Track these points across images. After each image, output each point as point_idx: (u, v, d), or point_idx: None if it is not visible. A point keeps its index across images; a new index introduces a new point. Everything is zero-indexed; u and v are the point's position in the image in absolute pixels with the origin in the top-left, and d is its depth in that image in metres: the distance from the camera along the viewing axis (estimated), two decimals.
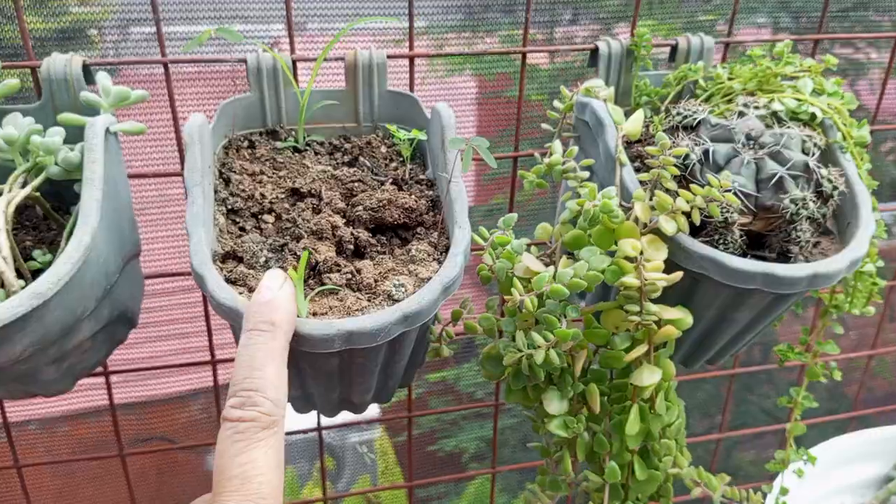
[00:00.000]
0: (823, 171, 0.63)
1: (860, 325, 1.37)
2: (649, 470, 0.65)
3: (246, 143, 0.70)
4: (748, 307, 0.64)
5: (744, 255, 0.64)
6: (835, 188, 0.63)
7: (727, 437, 1.18)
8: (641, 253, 0.57)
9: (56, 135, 0.61)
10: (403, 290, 0.54)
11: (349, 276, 0.56)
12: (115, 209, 0.64)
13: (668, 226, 0.57)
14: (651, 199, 0.59)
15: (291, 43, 0.71)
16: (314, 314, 0.52)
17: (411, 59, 0.75)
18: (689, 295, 0.65)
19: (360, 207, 0.60)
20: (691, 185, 0.58)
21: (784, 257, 0.64)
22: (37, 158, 0.60)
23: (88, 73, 0.67)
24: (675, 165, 0.62)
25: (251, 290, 0.55)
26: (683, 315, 0.60)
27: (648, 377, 0.60)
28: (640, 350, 0.60)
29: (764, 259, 0.64)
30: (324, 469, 1.04)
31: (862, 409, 1.22)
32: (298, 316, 0.51)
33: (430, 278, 0.54)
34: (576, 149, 0.64)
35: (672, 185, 0.60)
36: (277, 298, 0.49)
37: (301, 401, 0.64)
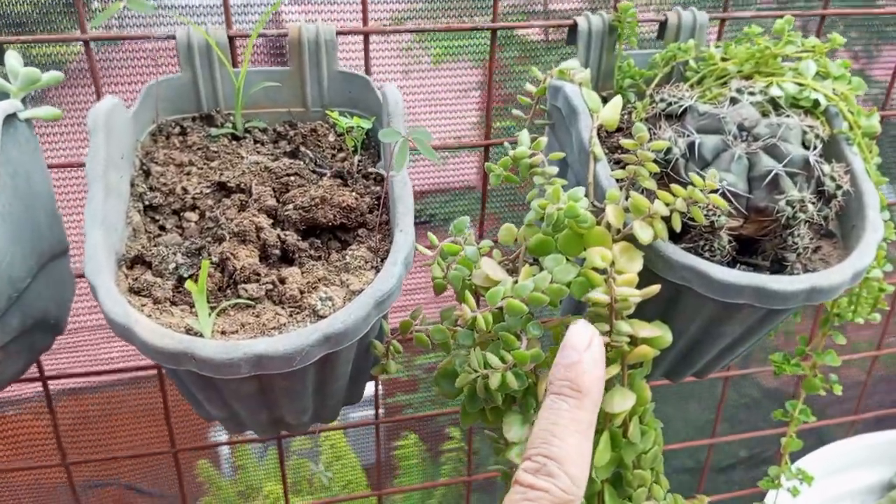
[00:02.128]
0: (826, 168, 0.54)
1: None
2: (621, 501, 0.58)
3: (177, 130, 0.62)
4: (737, 321, 0.57)
5: (733, 262, 0.56)
6: (838, 188, 0.55)
7: (723, 442, 1.11)
8: (612, 264, 0.49)
9: None
10: (330, 304, 0.47)
11: (270, 286, 0.48)
12: (25, 205, 0.56)
13: (644, 233, 0.49)
14: (626, 201, 0.52)
15: (227, 16, 0.63)
16: (223, 332, 0.45)
17: (366, 35, 0.67)
18: (672, 306, 0.57)
19: (291, 206, 0.53)
20: (672, 186, 0.50)
21: (779, 264, 0.56)
22: None
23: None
24: (656, 161, 0.54)
25: (156, 301, 0.48)
26: (662, 332, 0.52)
27: (620, 403, 0.52)
28: (612, 371, 0.52)
29: (756, 266, 0.56)
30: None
31: (864, 413, 1.15)
32: (201, 336, 0.44)
33: (362, 290, 0.47)
34: (544, 140, 0.56)
35: (650, 184, 0.52)
36: (584, 361, 0.45)
37: (229, 421, 0.57)
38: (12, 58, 0.56)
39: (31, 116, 0.57)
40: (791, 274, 0.55)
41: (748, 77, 0.65)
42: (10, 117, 0.55)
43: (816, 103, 0.60)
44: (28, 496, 1.14)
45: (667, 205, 0.50)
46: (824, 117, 0.61)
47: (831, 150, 0.61)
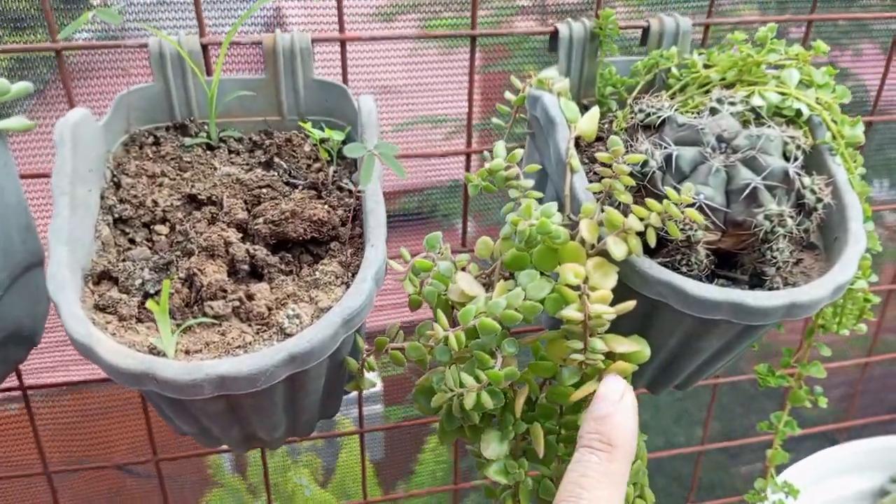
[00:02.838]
0: (806, 181, 0.53)
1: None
2: None
3: (150, 140, 0.61)
4: (715, 336, 0.56)
5: (713, 276, 0.55)
6: (819, 200, 0.54)
7: (716, 448, 1.10)
8: (586, 280, 0.48)
9: None
10: (298, 322, 0.46)
11: (237, 303, 0.47)
12: None
13: (617, 249, 0.48)
14: (601, 215, 0.51)
15: (200, 24, 0.62)
16: (186, 351, 0.44)
17: (343, 42, 0.66)
18: (649, 321, 0.56)
19: (261, 220, 0.52)
20: (647, 201, 0.49)
21: (758, 278, 0.55)
22: None
23: None
24: (633, 174, 0.54)
25: (122, 319, 0.47)
26: (639, 348, 0.51)
27: None
28: (590, 388, 0.51)
29: (735, 281, 0.55)
30: None
31: (857, 419, 1.14)
32: (164, 355, 0.43)
33: (331, 307, 0.46)
34: (520, 151, 0.55)
35: (626, 198, 0.51)
36: (616, 413, 0.44)
37: (201, 436, 0.56)
38: None
39: (2, 128, 0.56)
40: (771, 288, 0.54)
41: (732, 85, 0.64)
42: None
43: (799, 113, 0.59)
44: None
45: (641, 219, 0.49)
46: (807, 127, 0.60)
47: (814, 161, 0.60)
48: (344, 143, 0.60)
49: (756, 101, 0.59)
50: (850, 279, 0.53)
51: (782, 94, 0.59)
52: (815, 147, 0.60)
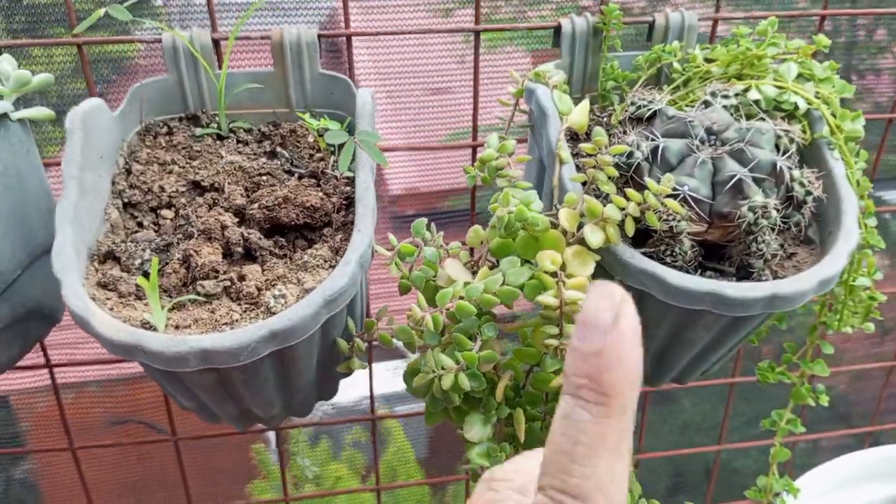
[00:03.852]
0: (796, 173, 0.53)
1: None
2: None
3: (164, 130, 0.64)
4: (703, 328, 0.56)
5: (701, 268, 0.56)
6: (808, 193, 0.54)
7: (730, 448, 1.09)
8: (563, 268, 0.49)
9: None
10: (283, 301, 0.48)
11: (228, 283, 0.50)
12: (15, 201, 0.59)
13: (594, 237, 0.49)
14: (583, 205, 0.51)
15: (212, 19, 0.65)
16: (176, 327, 0.47)
17: (348, 37, 0.68)
18: (637, 310, 0.57)
19: (256, 205, 0.54)
20: (626, 191, 0.50)
21: (745, 271, 0.55)
22: None
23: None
24: (619, 164, 0.54)
25: (121, 295, 0.50)
26: None
27: None
28: None
29: (723, 273, 0.56)
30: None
31: (879, 425, 1.12)
32: (154, 329, 0.46)
33: (314, 289, 0.48)
34: (512, 142, 0.57)
35: (610, 188, 0.52)
36: (611, 347, 0.30)
37: (200, 412, 0.59)
38: (5, 61, 0.59)
39: (23, 117, 0.60)
40: (759, 281, 0.54)
41: (738, 79, 0.64)
42: (1, 118, 0.58)
43: (797, 106, 0.59)
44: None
45: (621, 209, 0.50)
46: (807, 121, 0.60)
47: (811, 156, 0.59)
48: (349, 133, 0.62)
49: (753, 94, 0.59)
50: (837, 273, 0.52)
51: (780, 87, 0.59)
52: (814, 141, 0.59)
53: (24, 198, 0.61)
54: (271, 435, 1.75)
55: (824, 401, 0.68)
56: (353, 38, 0.68)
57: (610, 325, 0.29)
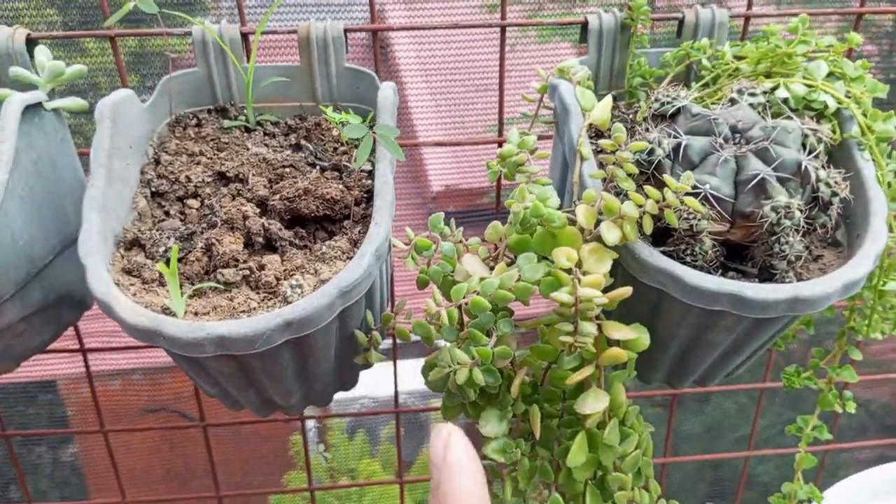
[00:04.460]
0: (822, 173, 0.52)
1: None
2: (604, 503, 0.58)
3: (194, 122, 0.66)
4: (724, 329, 0.55)
5: (723, 269, 0.55)
6: (834, 194, 0.52)
7: (758, 454, 1.07)
8: (579, 265, 0.49)
9: None
10: (300, 291, 0.49)
11: (247, 272, 0.51)
12: (48, 190, 0.61)
13: (610, 234, 0.49)
14: (602, 202, 0.51)
15: (241, 13, 0.66)
16: (195, 313, 0.48)
17: (374, 32, 0.68)
18: (656, 311, 0.56)
19: (278, 197, 0.55)
20: (645, 188, 0.49)
21: (768, 272, 0.54)
22: None
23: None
24: (641, 162, 0.54)
25: (145, 282, 0.51)
26: (637, 335, 0.52)
27: (593, 404, 0.52)
28: (586, 372, 0.52)
29: (745, 274, 0.55)
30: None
31: None
32: (174, 315, 0.47)
33: (330, 279, 0.49)
34: (532, 138, 0.57)
35: (629, 185, 0.51)
36: (442, 482, 0.35)
37: (223, 398, 0.60)
38: (40, 52, 0.61)
39: (57, 107, 0.62)
40: (782, 282, 0.53)
41: (767, 77, 0.63)
42: (36, 107, 0.60)
43: (826, 105, 0.58)
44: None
45: (639, 206, 0.49)
46: (837, 121, 0.59)
47: (841, 156, 0.58)
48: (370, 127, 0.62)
49: (781, 92, 0.58)
50: (863, 277, 0.51)
51: (809, 86, 0.58)
52: (844, 141, 0.58)
53: (58, 186, 0.63)
54: (310, 425, 1.78)
55: (851, 407, 0.67)
56: (396, 35, 0.68)
57: (441, 461, 0.35)
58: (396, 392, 0.90)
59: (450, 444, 0.36)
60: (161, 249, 0.53)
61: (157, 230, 0.55)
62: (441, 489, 0.34)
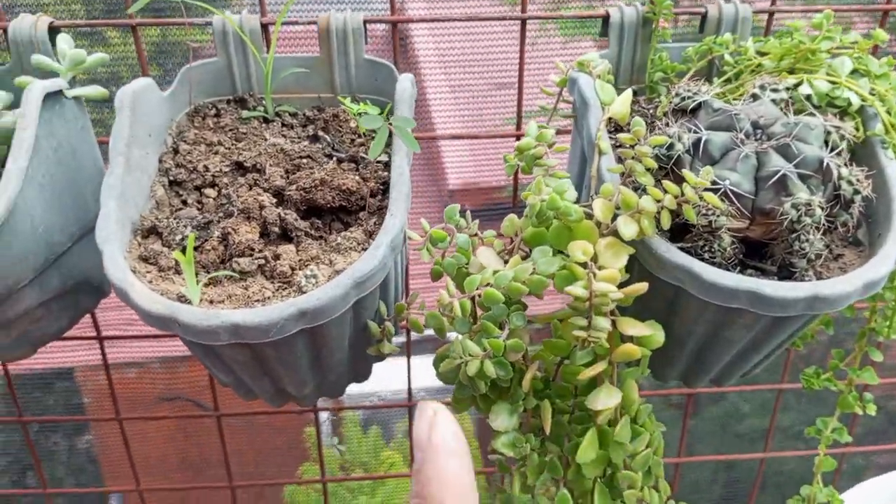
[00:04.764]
0: (844, 171, 0.52)
1: None
2: (613, 502, 0.57)
3: (213, 112, 0.66)
4: (742, 327, 0.55)
5: (742, 266, 0.54)
6: (856, 192, 0.52)
7: (775, 456, 1.06)
8: (595, 259, 0.49)
9: None
10: (314, 281, 0.49)
11: (262, 261, 0.51)
12: (68, 178, 0.62)
13: (627, 229, 0.48)
14: (619, 196, 0.51)
15: (262, 4, 0.66)
16: (211, 301, 0.48)
17: (394, 23, 0.68)
18: (673, 307, 0.56)
19: (294, 187, 0.55)
20: (663, 183, 0.49)
21: (787, 270, 0.53)
22: None
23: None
24: (660, 157, 0.53)
25: (161, 269, 0.51)
26: (652, 332, 0.51)
27: (604, 400, 0.52)
28: (598, 368, 0.52)
29: (764, 272, 0.54)
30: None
31: None
32: (189, 302, 0.47)
33: (345, 270, 0.49)
34: (551, 131, 0.56)
35: (647, 180, 0.51)
36: (426, 463, 0.34)
37: (238, 388, 0.60)
38: (62, 40, 0.61)
39: (78, 95, 0.62)
40: (801, 281, 0.52)
41: (790, 73, 0.62)
42: (57, 95, 0.60)
43: (849, 102, 0.57)
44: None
45: (657, 201, 0.49)
46: (861, 118, 0.58)
47: (864, 154, 0.57)
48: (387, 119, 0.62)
49: (804, 89, 0.57)
50: (883, 276, 0.50)
51: (832, 82, 0.57)
52: (867, 139, 0.57)
53: (78, 174, 0.63)
54: (323, 417, 1.79)
55: (871, 410, 0.66)
56: (416, 29, 0.68)
57: (426, 441, 0.33)
58: (410, 384, 0.90)
59: (435, 424, 0.34)
60: (178, 238, 0.53)
61: (175, 219, 0.55)
62: (424, 471, 0.33)
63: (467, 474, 0.33)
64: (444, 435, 0.34)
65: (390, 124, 0.49)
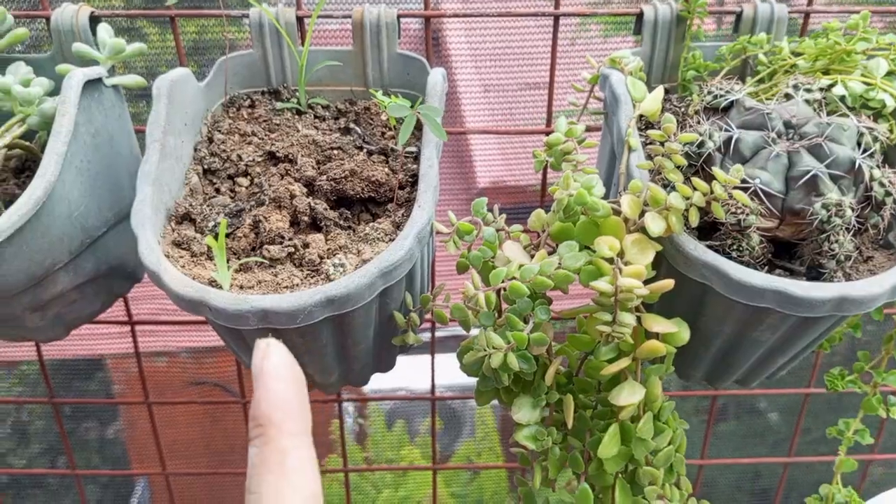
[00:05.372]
0: (876, 172, 0.51)
1: None
2: (634, 498, 0.57)
3: (248, 102, 0.67)
4: (769, 327, 0.54)
5: (770, 266, 0.54)
6: (888, 194, 0.51)
7: (798, 461, 1.05)
8: (621, 254, 0.49)
9: (37, 85, 0.60)
10: (342, 270, 0.49)
11: (292, 249, 0.52)
12: (105, 164, 0.63)
13: (655, 225, 0.48)
14: (648, 193, 0.51)
15: None
16: (241, 287, 0.49)
17: (427, 18, 0.69)
18: (700, 306, 0.56)
19: (325, 177, 0.56)
20: (693, 180, 0.49)
21: (816, 271, 0.53)
22: (18, 108, 0.60)
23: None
24: (690, 154, 0.53)
25: (193, 255, 0.52)
26: (677, 329, 0.51)
27: (628, 396, 0.52)
28: (622, 364, 0.52)
29: (793, 272, 0.54)
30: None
31: None
32: (220, 287, 0.48)
33: (372, 259, 0.49)
34: (580, 127, 0.56)
35: (676, 177, 0.51)
36: (259, 388, 0.37)
37: None
38: (102, 30, 0.63)
39: (117, 83, 0.64)
40: (830, 282, 0.52)
41: (825, 73, 0.62)
42: (97, 83, 0.62)
43: (884, 104, 0.56)
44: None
45: (686, 198, 0.49)
46: (894, 120, 0.57)
47: None
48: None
49: (838, 90, 0.57)
50: None
51: (867, 84, 0.57)
52: None
53: (115, 160, 0.65)
54: (348, 407, 1.81)
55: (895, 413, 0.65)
56: (449, 25, 0.69)
57: (259, 369, 0.37)
58: (433, 378, 0.91)
59: (267, 354, 0.38)
60: (210, 224, 0.54)
61: (208, 206, 0.56)
62: (255, 395, 0.36)
63: (294, 396, 0.37)
64: (275, 362, 0.37)
65: (417, 113, 0.50)
